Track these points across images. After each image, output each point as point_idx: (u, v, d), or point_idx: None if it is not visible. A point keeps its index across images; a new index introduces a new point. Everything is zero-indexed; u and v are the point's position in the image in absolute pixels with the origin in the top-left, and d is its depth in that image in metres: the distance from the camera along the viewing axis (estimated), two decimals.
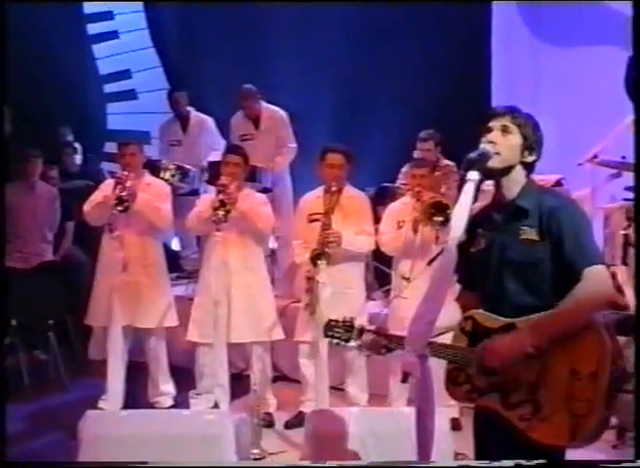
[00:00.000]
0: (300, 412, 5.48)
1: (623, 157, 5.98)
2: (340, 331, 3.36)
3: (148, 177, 5.64)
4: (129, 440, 4.24)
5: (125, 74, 9.52)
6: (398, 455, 4.23)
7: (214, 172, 6.21)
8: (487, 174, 2.86)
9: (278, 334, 5.52)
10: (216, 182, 5.34)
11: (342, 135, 7.42)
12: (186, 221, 5.45)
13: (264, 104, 7.27)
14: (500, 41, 8.90)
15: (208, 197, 5.53)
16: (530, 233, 2.85)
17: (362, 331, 3.31)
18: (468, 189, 2.80)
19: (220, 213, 5.04)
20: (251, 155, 6.18)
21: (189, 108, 7.60)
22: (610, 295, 2.84)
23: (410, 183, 5.50)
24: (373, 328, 3.33)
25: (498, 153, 2.89)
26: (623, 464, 3.05)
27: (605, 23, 8.53)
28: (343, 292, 5.25)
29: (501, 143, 2.90)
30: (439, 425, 4.29)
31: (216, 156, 7.42)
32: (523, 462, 2.72)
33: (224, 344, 5.22)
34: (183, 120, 7.54)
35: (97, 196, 5.47)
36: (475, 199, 2.85)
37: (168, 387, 5.66)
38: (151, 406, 5.54)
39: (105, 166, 8.70)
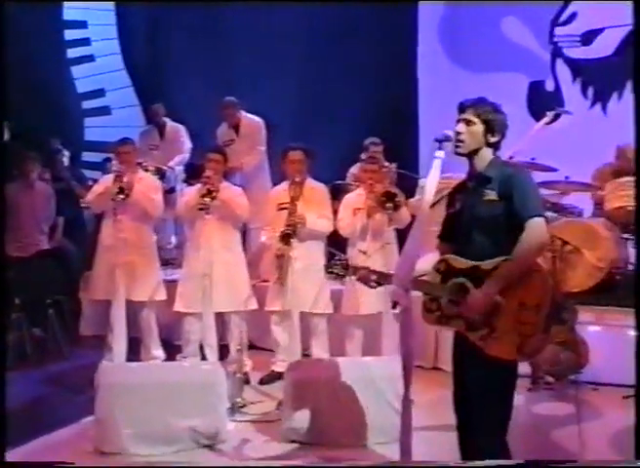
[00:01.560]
0: (273, 371, 5.72)
1: (533, 158, 6.40)
2: (338, 267, 3.67)
3: (141, 172, 5.82)
4: (139, 387, 4.43)
5: (100, 92, 9.66)
6: (364, 398, 4.54)
7: (196, 170, 6.45)
8: (460, 155, 3.26)
9: (253, 305, 5.74)
10: (200, 176, 5.54)
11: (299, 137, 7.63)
12: (177, 209, 5.69)
13: (244, 113, 7.43)
14: (425, 67, 9.22)
15: (193, 189, 5.72)
16: (491, 195, 3.22)
17: (356, 268, 3.65)
18: (437, 164, 3.17)
19: (207, 199, 5.30)
20: (232, 158, 6.45)
21: (166, 119, 7.76)
22: (541, 240, 3.17)
23: (363, 177, 5.76)
24: (365, 266, 3.68)
25: (462, 141, 3.27)
26: (624, 464, 3.19)
27: (511, 54, 9.02)
28: (309, 268, 5.49)
29: (465, 133, 3.28)
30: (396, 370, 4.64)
31: (179, 161, 7.70)
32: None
33: (212, 310, 5.43)
34: (161, 128, 7.69)
35: (98, 188, 5.66)
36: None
37: (158, 352, 5.84)
38: None
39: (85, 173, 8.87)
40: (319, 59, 8.91)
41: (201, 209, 5.41)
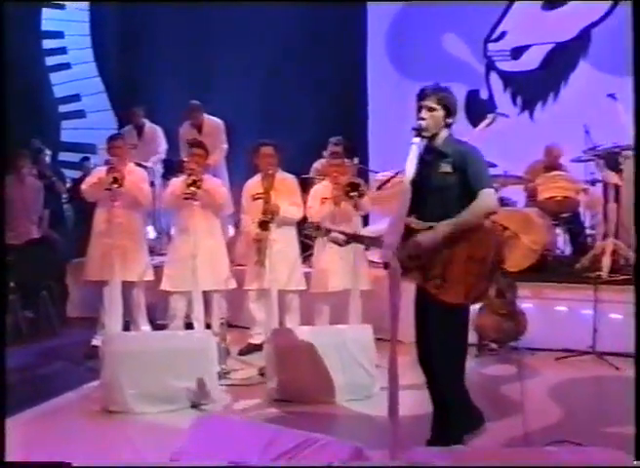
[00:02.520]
0: (250, 343, 5.88)
1: None
2: (311, 230, 3.93)
3: (131, 165, 5.90)
4: (140, 353, 4.57)
5: (76, 97, 9.71)
6: (338, 361, 4.74)
7: (173, 166, 6.64)
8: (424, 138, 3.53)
9: (232, 284, 5.87)
10: (180, 169, 5.71)
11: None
12: (163, 198, 5.82)
13: (206, 115, 7.59)
14: (374, 76, 9.51)
15: (179, 180, 5.81)
16: (446, 167, 3.51)
17: (328, 230, 3.93)
18: (413, 148, 3.44)
19: (193, 188, 5.48)
20: None
21: (145, 120, 7.83)
22: (491, 207, 3.49)
23: (329, 171, 5.95)
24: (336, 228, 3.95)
25: (427, 127, 3.56)
26: (624, 464, 3.11)
27: (450, 66, 9.31)
28: (284, 249, 5.69)
29: (429, 119, 3.56)
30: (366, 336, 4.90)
31: (157, 160, 7.83)
32: None
33: (200, 285, 5.58)
34: (139, 129, 7.75)
35: (92, 179, 5.74)
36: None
37: (146, 328, 5.94)
38: None
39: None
40: (283, 69, 9.13)
41: (186, 198, 5.56)
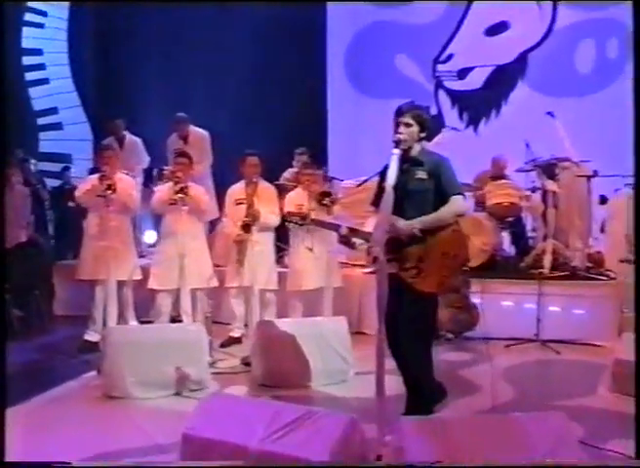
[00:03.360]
0: (231, 337, 6.04)
1: None
2: (296, 218, 4.14)
3: (119, 174, 5.99)
4: (139, 344, 4.72)
5: (54, 110, 9.73)
6: (316, 349, 4.95)
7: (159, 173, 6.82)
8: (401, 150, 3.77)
9: (215, 283, 6.02)
10: (172, 176, 5.84)
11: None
12: (151, 204, 5.94)
13: (192, 127, 7.68)
14: (333, 92, 9.80)
15: (165, 187, 5.96)
16: (421, 174, 3.79)
17: (312, 220, 4.20)
18: (394, 158, 3.69)
19: (181, 195, 5.66)
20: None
21: (125, 132, 7.87)
22: (460, 210, 3.81)
23: (301, 179, 6.14)
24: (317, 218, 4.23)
25: (405, 140, 3.83)
26: (624, 464, 3.28)
27: (402, 84, 9.64)
28: (264, 251, 5.88)
29: (406, 134, 3.84)
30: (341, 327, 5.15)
31: (138, 171, 7.91)
32: None
33: (188, 284, 5.75)
34: (120, 140, 7.77)
35: (85, 186, 5.83)
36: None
37: (134, 323, 6.03)
38: None
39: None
40: (253, 86, 9.31)
41: (172, 203, 5.74)
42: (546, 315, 6.07)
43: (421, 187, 3.76)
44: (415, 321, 3.77)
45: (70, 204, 8.47)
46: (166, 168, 7.19)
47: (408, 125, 3.80)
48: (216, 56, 9.29)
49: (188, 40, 9.39)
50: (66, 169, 8.83)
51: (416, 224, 3.70)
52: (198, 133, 7.70)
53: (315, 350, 4.95)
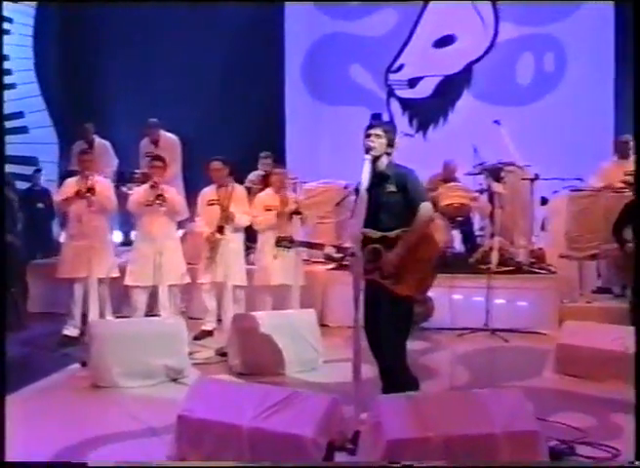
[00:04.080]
0: (203, 330, 6.19)
1: None
2: (286, 242, 4.37)
3: (97, 177, 6.10)
4: (124, 336, 4.88)
5: (20, 114, 9.63)
6: (289, 339, 5.17)
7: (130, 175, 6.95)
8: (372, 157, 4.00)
9: (188, 279, 6.22)
10: (149, 179, 6.02)
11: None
12: (128, 205, 6.08)
13: (162, 132, 7.80)
14: (290, 100, 10.08)
15: (141, 189, 6.12)
16: (391, 187, 3.98)
17: (300, 242, 4.40)
18: (366, 164, 3.93)
19: (160, 200, 5.84)
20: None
21: (94, 136, 7.94)
22: (431, 216, 4.04)
23: (273, 182, 6.35)
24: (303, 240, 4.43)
25: (374, 148, 4.08)
26: (623, 464, 3.27)
27: (356, 92, 9.99)
28: (236, 250, 6.11)
29: (375, 143, 4.07)
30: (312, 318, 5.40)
31: (108, 173, 7.98)
32: None
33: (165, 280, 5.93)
34: (90, 144, 7.83)
35: (65, 189, 5.95)
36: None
37: (110, 317, 6.12)
38: None
39: None
40: (217, 93, 9.48)
41: (148, 205, 5.91)
42: (494, 306, 6.44)
43: (392, 199, 3.96)
44: (395, 321, 3.97)
45: (40, 205, 8.54)
46: (137, 170, 7.35)
47: (378, 136, 4.02)
48: (180, 60, 9.43)
49: (153, 45, 9.48)
50: (37, 171, 8.83)
51: (402, 251, 3.87)
52: (169, 137, 7.83)
53: (288, 340, 5.17)
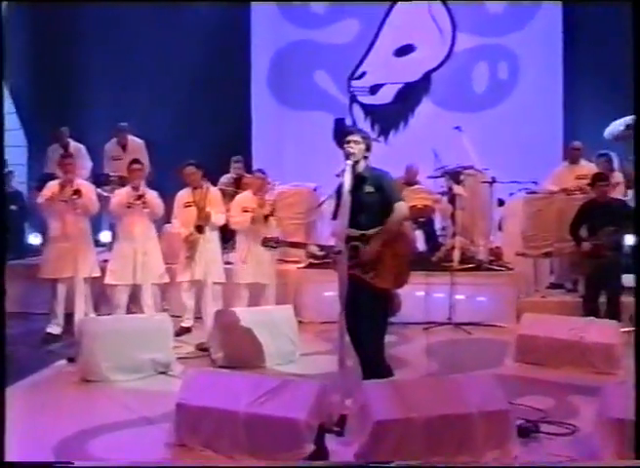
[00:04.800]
0: (182, 326, 6.32)
1: None
2: (271, 242, 4.58)
3: (79, 180, 6.24)
4: (112, 332, 5.05)
5: None
6: (268, 334, 5.39)
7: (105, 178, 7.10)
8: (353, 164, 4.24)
9: (166, 279, 6.38)
10: (128, 183, 6.20)
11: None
12: (110, 207, 6.23)
13: (130, 136, 7.95)
14: (256, 105, 10.26)
15: (122, 191, 6.28)
16: (369, 188, 4.22)
17: (287, 243, 4.63)
18: (348, 169, 4.16)
19: (140, 202, 6.02)
20: (120, 170, 7.07)
21: (69, 139, 8.02)
22: (406, 214, 4.31)
23: (250, 185, 6.61)
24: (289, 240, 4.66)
25: (354, 153, 4.34)
26: (624, 464, 3.29)
27: (321, 97, 10.23)
28: (215, 249, 6.31)
29: (355, 149, 4.32)
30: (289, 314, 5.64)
31: (84, 175, 8.04)
32: None
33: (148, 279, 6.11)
34: (65, 147, 7.90)
35: (47, 192, 6.04)
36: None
37: (92, 315, 6.21)
38: None
39: None
40: (186, 98, 9.60)
41: (128, 206, 6.08)
42: (457, 302, 6.81)
43: (370, 200, 4.21)
44: (374, 315, 4.22)
45: (12, 207, 8.57)
46: (113, 173, 7.48)
47: (357, 142, 4.26)
48: (151, 64, 9.52)
49: (123, 48, 9.56)
50: (10, 173, 8.83)
51: (377, 246, 4.14)
52: (136, 141, 8.00)
53: (267, 335, 5.41)
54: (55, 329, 6.11)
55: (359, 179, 4.21)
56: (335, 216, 4.42)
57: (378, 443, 3.48)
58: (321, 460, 3.54)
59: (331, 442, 3.67)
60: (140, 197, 5.96)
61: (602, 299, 6.34)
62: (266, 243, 4.49)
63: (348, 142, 4.27)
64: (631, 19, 3.57)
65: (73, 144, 8.07)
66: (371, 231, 4.19)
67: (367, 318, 4.21)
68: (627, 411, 3.39)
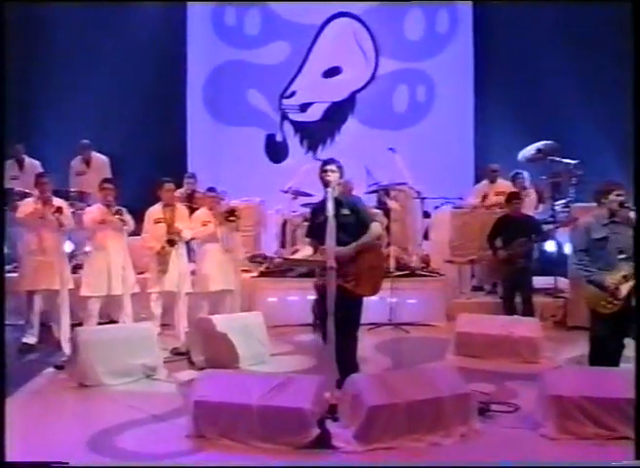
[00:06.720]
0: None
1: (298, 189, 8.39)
2: (260, 259, 5.15)
3: (54, 198, 6.54)
4: (105, 340, 5.50)
5: None
6: (242, 337, 5.95)
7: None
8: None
9: (136, 289, 6.77)
10: (104, 200, 6.58)
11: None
12: (85, 222, 6.56)
13: (94, 152, 8.25)
14: (192, 121, 10.78)
15: (94, 208, 6.66)
16: (345, 211, 4.89)
17: (272, 258, 5.24)
18: (329, 195, 4.81)
19: (118, 217, 6.44)
20: (84, 186, 7.44)
21: (24, 155, 8.21)
22: (379, 233, 5.07)
23: (206, 201, 6.97)
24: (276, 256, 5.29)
25: (333, 181, 5.01)
26: (624, 464, 3.41)
27: (253, 114, 10.85)
28: (185, 262, 6.81)
29: (332, 177, 4.99)
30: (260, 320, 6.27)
31: None
32: None
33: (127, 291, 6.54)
34: (20, 162, 8.13)
35: (26, 209, 6.36)
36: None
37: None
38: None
39: None
40: (130, 115, 9.98)
41: (101, 222, 6.49)
42: (396, 304, 7.64)
43: (347, 221, 4.87)
44: (350, 317, 4.90)
45: None
46: (72, 189, 7.81)
47: (333, 171, 4.92)
48: (98, 79, 9.78)
49: (74, 64, 9.86)
50: None
51: (351, 249, 4.82)
52: (99, 158, 8.34)
53: (241, 338, 6.00)
54: (30, 339, 6.43)
55: (336, 203, 4.79)
56: (308, 235, 5.10)
57: (371, 424, 4.22)
58: (325, 442, 4.22)
59: (330, 427, 4.37)
60: (117, 212, 6.35)
61: (517, 300, 7.37)
62: (254, 259, 5.07)
63: (325, 171, 4.91)
64: (631, 18, 3.85)
65: (28, 160, 8.28)
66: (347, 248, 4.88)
67: (346, 323, 4.81)
68: (563, 389, 4.33)
